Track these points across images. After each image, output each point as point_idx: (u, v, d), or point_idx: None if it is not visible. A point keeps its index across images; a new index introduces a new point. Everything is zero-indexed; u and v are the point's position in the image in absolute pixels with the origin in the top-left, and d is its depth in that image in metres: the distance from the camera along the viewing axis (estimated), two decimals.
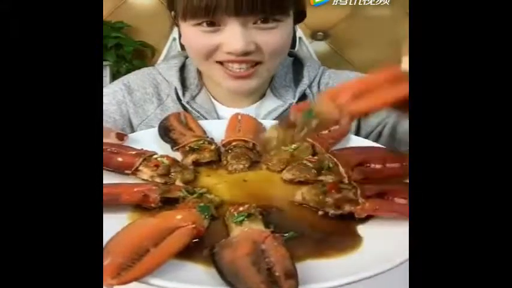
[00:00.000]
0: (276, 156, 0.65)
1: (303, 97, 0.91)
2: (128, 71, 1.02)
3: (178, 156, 0.66)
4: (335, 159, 0.61)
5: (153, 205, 0.52)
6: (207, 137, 0.70)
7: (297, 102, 0.89)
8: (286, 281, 0.39)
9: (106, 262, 0.39)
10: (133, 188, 0.53)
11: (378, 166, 0.61)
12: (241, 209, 0.50)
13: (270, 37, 0.78)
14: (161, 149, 0.68)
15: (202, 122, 0.78)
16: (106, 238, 0.43)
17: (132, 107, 0.92)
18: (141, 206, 0.53)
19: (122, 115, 0.92)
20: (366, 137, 0.91)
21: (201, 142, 0.67)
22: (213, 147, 0.67)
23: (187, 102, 0.89)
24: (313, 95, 0.92)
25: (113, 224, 0.46)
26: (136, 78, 0.96)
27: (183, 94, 0.90)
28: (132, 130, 0.92)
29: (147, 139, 0.71)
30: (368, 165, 0.61)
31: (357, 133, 0.91)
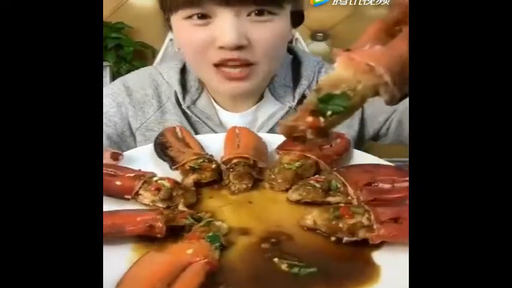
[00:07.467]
0: (279, 175, 0.63)
1: (303, 98, 0.86)
2: (128, 72, 1.00)
3: (177, 174, 0.64)
4: (342, 178, 0.59)
5: (159, 235, 0.49)
6: (207, 153, 0.67)
7: (296, 105, 0.85)
8: None
9: None
10: (136, 217, 0.49)
11: (386, 186, 0.59)
12: None
13: (264, 31, 0.74)
14: (158, 167, 0.65)
15: (199, 137, 0.74)
16: (111, 273, 0.41)
17: (131, 109, 0.89)
18: (145, 236, 0.50)
19: (122, 118, 0.89)
20: (374, 134, 0.90)
21: (201, 160, 0.64)
22: (213, 165, 0.64)
23: (188, 107, 0.86)
24: None
25: (118, 258, 0.44)
26: (135, 78, 0.92)
27: (184, 98, 0.87)
28: (131, 133, 0.89)
29: (143, 157, 0.67)
30: (376, 184, 0.59)
31: (363, 132, 0.89)
